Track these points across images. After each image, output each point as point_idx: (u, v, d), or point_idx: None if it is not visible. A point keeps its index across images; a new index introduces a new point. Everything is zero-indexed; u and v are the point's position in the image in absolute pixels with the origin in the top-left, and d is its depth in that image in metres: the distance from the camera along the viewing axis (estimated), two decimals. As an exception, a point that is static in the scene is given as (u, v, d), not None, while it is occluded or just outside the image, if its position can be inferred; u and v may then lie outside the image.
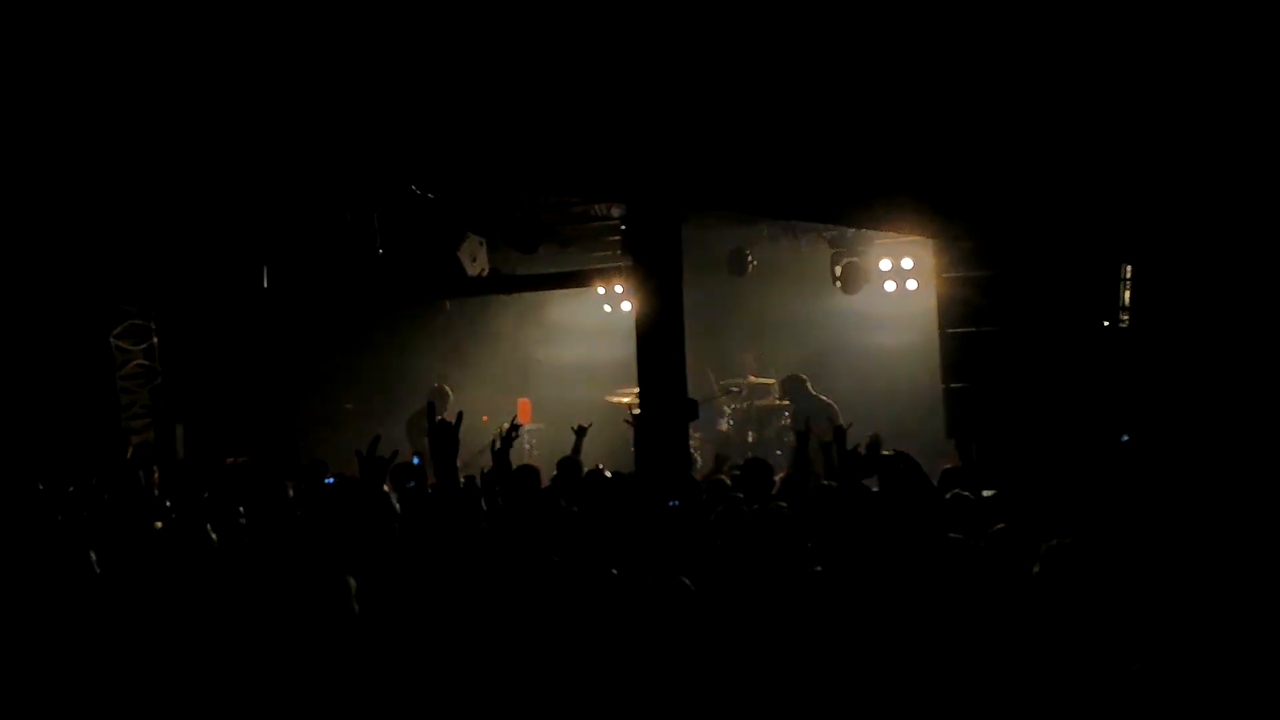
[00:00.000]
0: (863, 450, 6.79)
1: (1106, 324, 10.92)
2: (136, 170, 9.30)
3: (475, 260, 12.54)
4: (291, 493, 7.70)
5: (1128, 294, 10.94)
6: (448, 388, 14.80)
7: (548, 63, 6.08)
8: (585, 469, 9.06)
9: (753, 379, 15.41)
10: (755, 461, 8.59)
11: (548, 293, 16.27)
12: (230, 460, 11.24)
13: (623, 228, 13.49)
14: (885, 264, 15.15)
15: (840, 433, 7.27)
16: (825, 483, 7.09)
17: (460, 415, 6.91)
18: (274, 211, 11.73)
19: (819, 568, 5.27)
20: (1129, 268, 10.84)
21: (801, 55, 6.98)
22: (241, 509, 6.92)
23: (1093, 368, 10.82)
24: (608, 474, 8.54)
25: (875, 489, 6.40)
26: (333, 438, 13.23)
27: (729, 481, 8.27)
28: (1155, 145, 8.45)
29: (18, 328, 12.42)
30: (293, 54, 5.41)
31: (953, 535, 5.31)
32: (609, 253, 14.99)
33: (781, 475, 8.63)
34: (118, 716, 4.48)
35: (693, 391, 8.41)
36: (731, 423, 15.19)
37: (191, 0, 5.19)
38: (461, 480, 6.17)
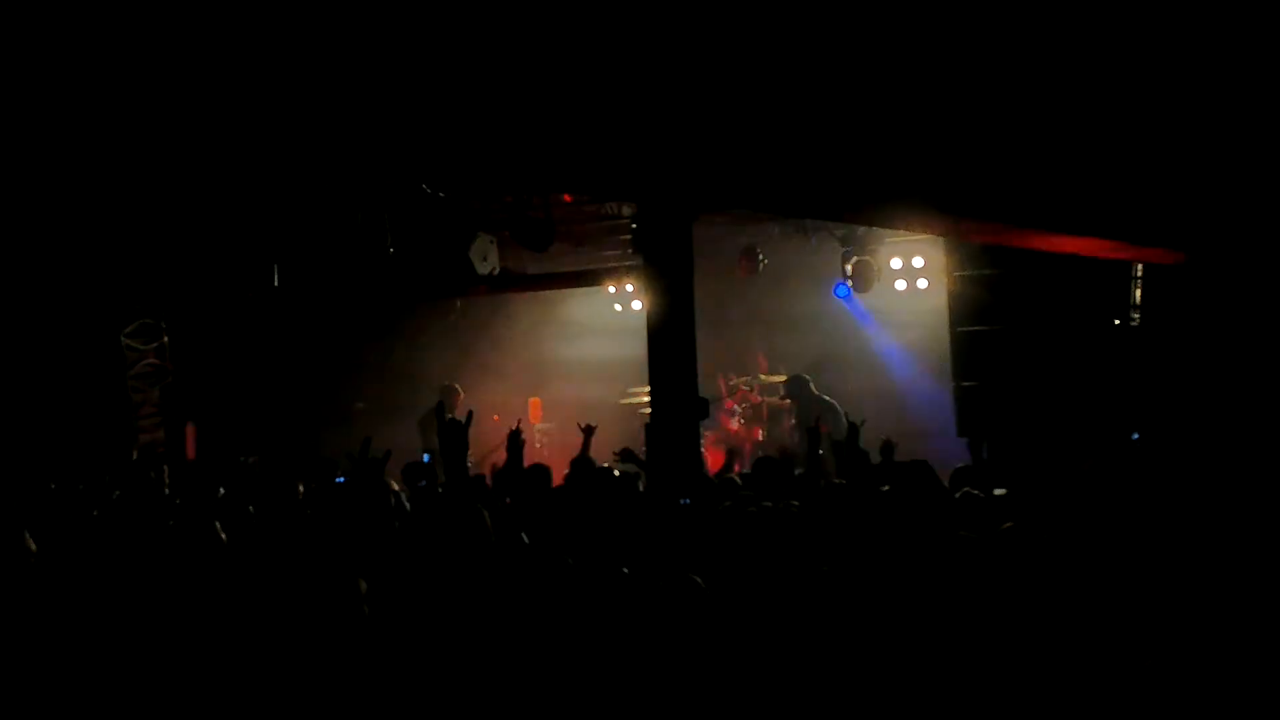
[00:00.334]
0: (876, 456, 6.81)
1: (1118, 322, 10.90)
2: (147, 170, 9.30)
3: (486, 259, 12.54)
4: (302, 492, 7.72)
5: (1139, 292, 10.93)
6: (458, 386, 14.82)
7: (559, 62, 6.08)
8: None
9: (764, 377, 15.44)
10: (769, 460, 8.60)
11: (559, 292, 16.29)
12: (243, 459, 11.25)
13: (634, 227, 13.48)
14: (896, 262, 15.16)
15: (854, 430, 7.28)
16: (837, 481, 7.10)
17: (470, 414, 6.93)
18: (285, 211, 11.74)
19: (829, 566, 5.27)
20: (1140, 265, 10.82)
21: (814, 54, 6.97)
22: (251, 508, 6.93)
23: (1104, 366, 10.81)
24: (616, 472, 8.54)
25: (886, 488, 6.41)
26: (344, 437, 13.24)
27: (738, 480, 8.27)
28: (1170, 143, 8.43)
29: (29, 327, 12.44)
30: (304, 54, 5.41)
31: (963, 533, 5.31)
32: (620, 252, 15.00)
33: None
34: (127, 715, 4.48)
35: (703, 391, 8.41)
36: (741, 421, 15.22)
37: (203, 1, 5.20)
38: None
